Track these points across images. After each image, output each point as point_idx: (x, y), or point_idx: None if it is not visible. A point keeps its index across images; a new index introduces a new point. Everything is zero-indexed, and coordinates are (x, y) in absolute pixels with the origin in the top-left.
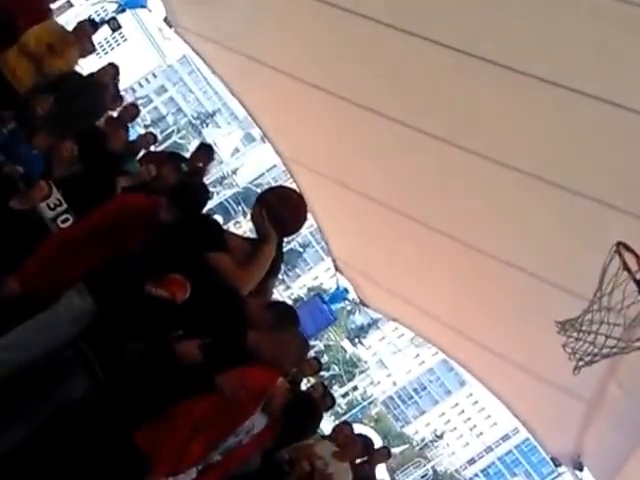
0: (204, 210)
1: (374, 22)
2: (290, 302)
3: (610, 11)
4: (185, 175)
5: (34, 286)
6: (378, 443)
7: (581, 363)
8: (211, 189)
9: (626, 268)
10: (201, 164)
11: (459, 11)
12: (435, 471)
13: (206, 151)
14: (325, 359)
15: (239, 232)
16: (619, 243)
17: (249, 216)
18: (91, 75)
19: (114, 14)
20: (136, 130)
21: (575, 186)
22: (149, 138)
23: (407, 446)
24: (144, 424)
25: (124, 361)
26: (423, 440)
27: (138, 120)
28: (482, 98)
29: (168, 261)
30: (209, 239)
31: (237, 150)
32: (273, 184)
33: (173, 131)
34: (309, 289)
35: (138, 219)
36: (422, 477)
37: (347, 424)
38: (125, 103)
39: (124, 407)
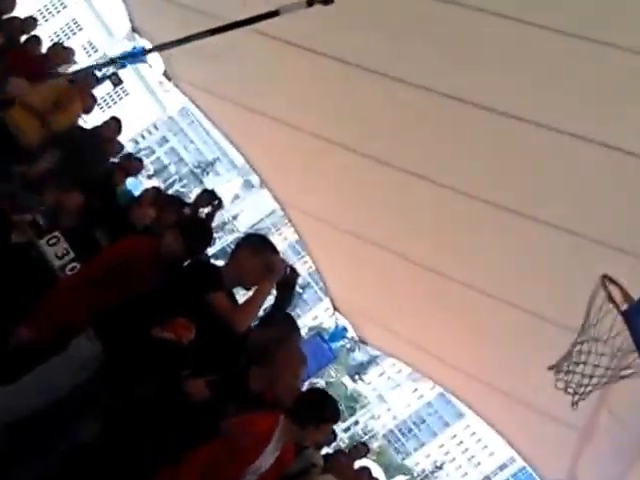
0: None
1: (370, 72)
2: None
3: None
4: (190, 217)
5: (44, 333)
6: (380, 476)
7: (576, 398)
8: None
9: (611, 300)
10: (209, 210)
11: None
12: None
13: (209, 195)
14: None
15: None
16: (604, 276)
17: None
18: (95, 129)
19: (115, 70)
20: (140, 181)
21: (561, 222)
22: (153, 191)
23: (408, 477)
24: (155, 471)
25: (135, 403)
26: (424, 471)
27: (142, 171)
28: (473, 141)
29: (172, 304)
30: (209, 281)
31: (237, 197)
32: (272, 229)
33: (175, 180)
34: (309, 329)
35: (141, 261)
36: None
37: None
38: (130, 158)
39: (135, 451)
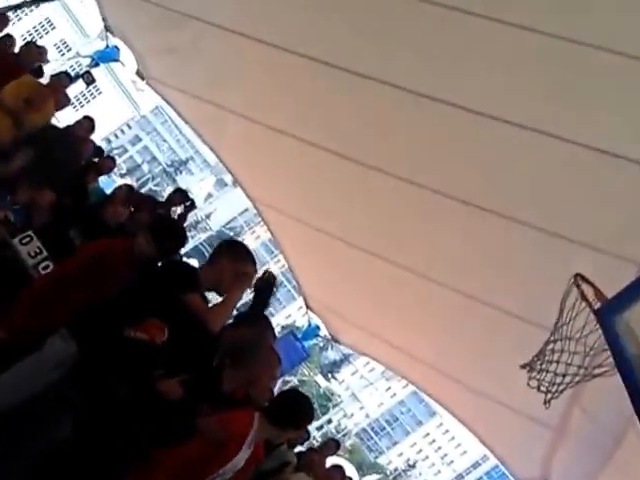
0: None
1: (340, 70)
2: None
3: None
4: (161, 217)
5: (18, 332)
6: (353, 474)
7: (549, 396)
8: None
9: (584, 298)
10: (181, 210)
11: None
12: None
13: (181, 195)
14: None
15: None
16: (577, 275)
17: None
18: (68, 128)
19: (88, 68)
20: (113, 179)
21: (534, 221)
22: (126, 189)
23: (381, 476)
24: (129, 471)
25: (109, 403)
26: (396, 470)
27: (114, 169)
28: (442, 138)
29: (146, 304)
30: (187, 281)
31: (210, 195)
32: (245, 227)
33: (148, 179)
34: (282, 327)
35: (115, 261)
36: None
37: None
38: (102, 156)
39: (109, 447)
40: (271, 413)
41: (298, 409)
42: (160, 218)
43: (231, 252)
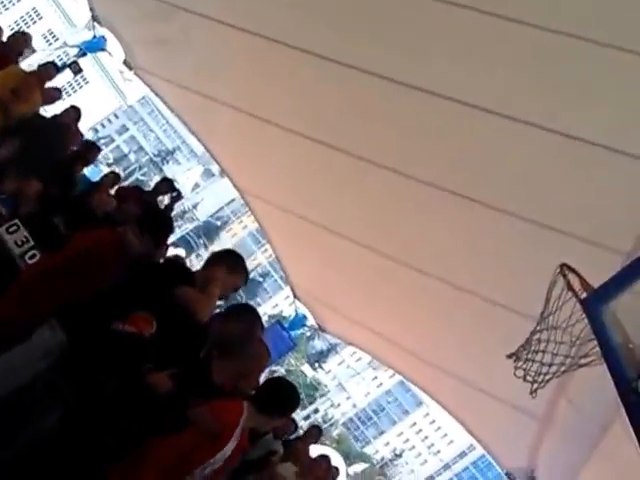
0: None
1: (329, 61)
2: None
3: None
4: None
5: (5, 323)
6: (340, 463)
7: (535, 386)
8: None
9: (570, 288)
10: (168, 200)
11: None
12: None
13: (168, 184)
14: None
15: (201, 264)
16: (563, 265)
17: (210, 249)
18: (54, 117)
19: (75, 58)
20: (100, 169)
21: (520, 211)
22: (112, 177)
23: (368, 465)
24: (116, 460)
25: (98, 395)
26: (383, 459)
27: (101, 159)
28: (429, 128)
29: (134, 297)
30: (181, 275)
31: (197, 185)
32: (232, 217)
33: (135, 169)
34: (269, 317)
35: (102, 254)
36: None
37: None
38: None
39: (97, 438)
40: (258, 401)
41: (284, 396)
42: (147, 209)
43: (227, 263)
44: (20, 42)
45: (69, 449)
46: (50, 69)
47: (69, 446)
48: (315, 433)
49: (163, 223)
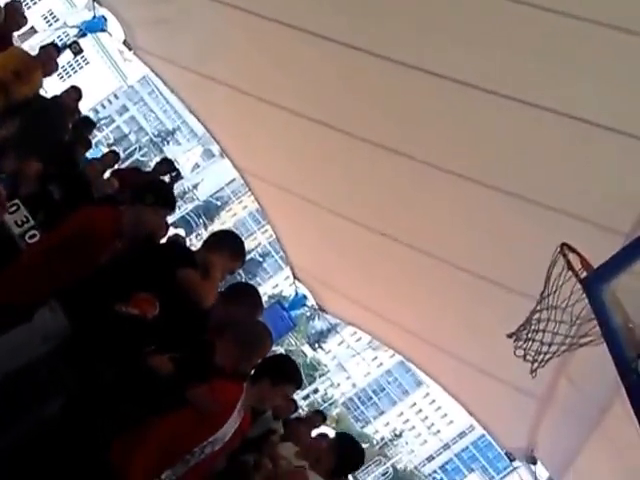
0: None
1: (328, 41)
2: None
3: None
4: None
5: (6, 301)
6: None
7: (535, 365)
8: None
9: (570, 268)
10: (168, 181)
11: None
12: (395, 469)
13: (168, 164)
14: None
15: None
16: (563, 244)
17: (210, 229)
18: (55, 98)
19: (75, 38)
20: (100, 149)
21: (520, 190)
22: (111, 156)
23: (367, 445)
24: (117, 440)
25: (99, 378)
26: (383, 439)
27: (101, 139)
28: (429, 109)
29: (137, 278)
30: (183, 256)
31: (197, 165)
32: (232, 197)
33: (135, 149)
34: (269, 297)
35: (103, 231)
36: (383, 475)
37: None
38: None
39: (99, 424)
40: (254, 375)
41: (281, 367)
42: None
43: (229, 248)
44: (15, 18)
45: (70, 437)
46: (51, 51)
47: (70, 434)
48: (318, 419)
49: (168, 197)
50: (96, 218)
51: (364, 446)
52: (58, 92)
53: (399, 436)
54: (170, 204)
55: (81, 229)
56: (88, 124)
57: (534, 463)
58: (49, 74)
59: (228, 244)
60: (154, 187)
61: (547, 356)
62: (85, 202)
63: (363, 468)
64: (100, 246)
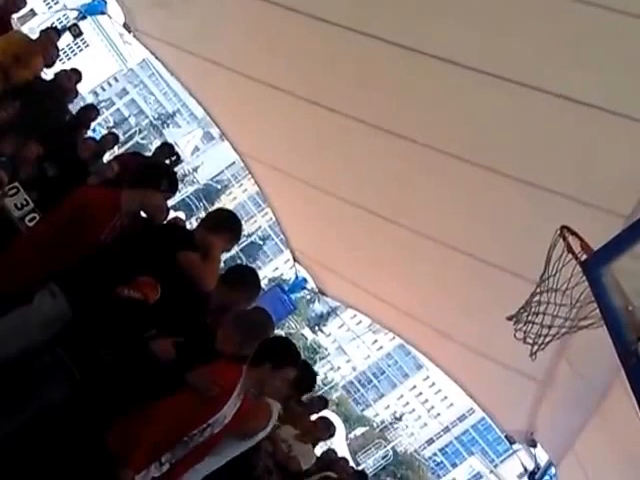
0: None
1: (330, 24)
2: None
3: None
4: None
5: (5, 284)
6: (340, 426)
7: (535, 348)
8: None
9: (570, 250)
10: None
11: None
12: (395, 452)
13: (168, 149)
14: None
15: None
16: (563, 227)
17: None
18: (54, 80)
19: (75, 21)
20: (99, 132)
21: (521, 174)
22: (111, 138)
23: (367, 428)
24: (116, 423)
25: (101, 363)
26: (383, 422)
27: (101, 122)
28: (429, 92)
29: (137, 261)
30: (183, 239)
31: (197, 148)
32: (232, 181)
33: (135, 132)
34: (269, 280)
35: (100, 211)
36: (383, 458)
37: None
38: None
39: (101, 409)
40: (256, 357)
41: (281, 349)
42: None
43: (229, 230)
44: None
45: (72, 421)
46: (52, 34)
47: (72, 418)
48: (320, 404)
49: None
50: (91, 198)
51: (364, 429)
52: (58, 75)
53: (399, 419)
54: (173, 188)
55: (76, 210)
56: (90, 109)
57: (534, 446)
58: (51, 64)
59: (229, 226)
60: (164, 171)
61: (547, 339)
62: (80, 182)
63: (363, 451)
64: (96, 226)
